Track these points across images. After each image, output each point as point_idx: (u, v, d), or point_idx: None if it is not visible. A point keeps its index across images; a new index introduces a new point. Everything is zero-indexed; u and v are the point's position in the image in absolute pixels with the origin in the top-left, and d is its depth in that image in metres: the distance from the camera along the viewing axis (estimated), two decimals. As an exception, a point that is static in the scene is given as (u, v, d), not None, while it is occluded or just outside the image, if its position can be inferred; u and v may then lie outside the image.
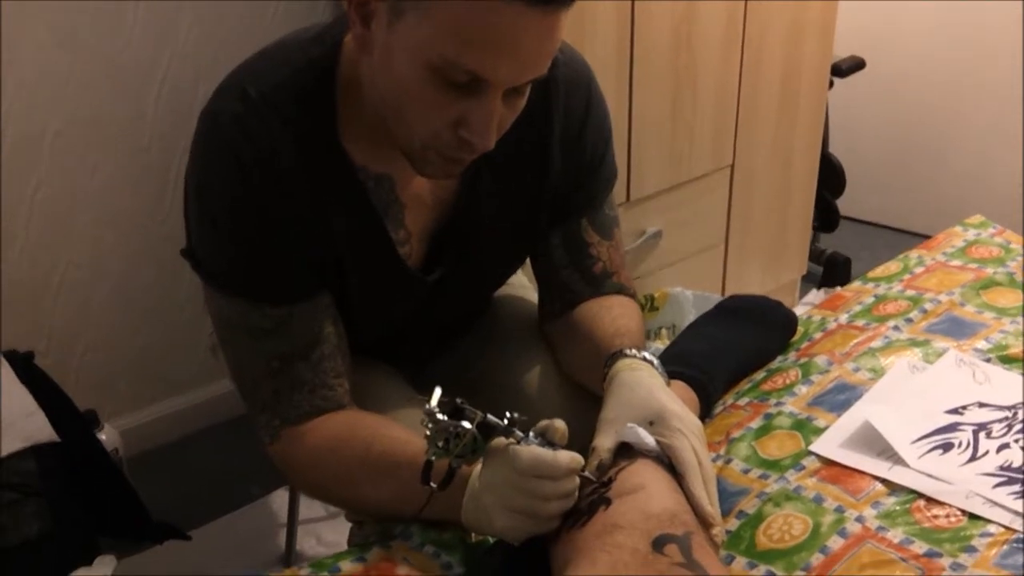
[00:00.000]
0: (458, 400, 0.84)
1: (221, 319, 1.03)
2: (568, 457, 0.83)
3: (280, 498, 2.05)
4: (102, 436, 1.80)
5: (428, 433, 0.84)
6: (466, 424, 0.83)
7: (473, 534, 0.97)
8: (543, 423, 0.86)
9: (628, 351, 1.01)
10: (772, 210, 2.42)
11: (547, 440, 0.85)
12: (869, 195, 3.05)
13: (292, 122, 0.96)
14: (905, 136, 3.03)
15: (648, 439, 0.89)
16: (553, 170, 1.10)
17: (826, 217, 2.76)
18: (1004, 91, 2.80)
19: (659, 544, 0.76)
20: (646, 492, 0.83)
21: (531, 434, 0.85)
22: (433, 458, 0.87)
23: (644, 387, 0.95)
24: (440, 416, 0.83)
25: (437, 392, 0.85)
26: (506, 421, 0.84)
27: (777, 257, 2.51)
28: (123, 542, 1.63)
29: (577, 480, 0.84)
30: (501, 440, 0.84)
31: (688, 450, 0.88)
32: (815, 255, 2.84)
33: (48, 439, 1.24)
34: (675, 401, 0.94)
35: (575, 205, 1.14)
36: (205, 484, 2.12)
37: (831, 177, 2.68)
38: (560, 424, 0.86)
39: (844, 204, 2.80)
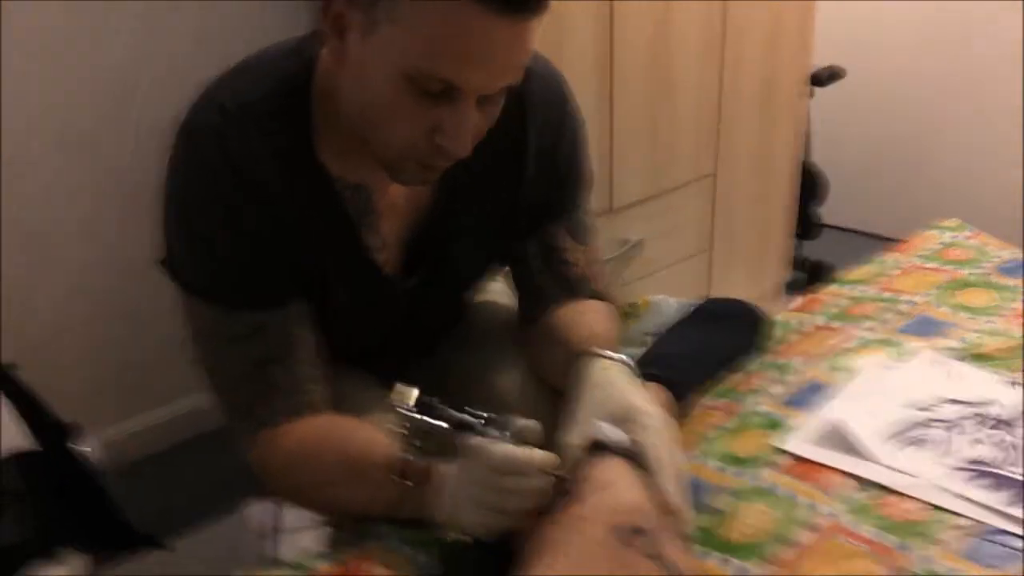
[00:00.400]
0: (434, 399, 0.85)
1: (197, 326, 1.04)
2: (540, 455, 0.84)
3: (264, 508, 2.05)
4: (85, 448, 1.80)
5: (404, 431, 0.85)
6: (441, 423, 0.84)
7: (449, 532, 0.98)
8: (518, 423, 0.87)
9: (600, 352, 1.02)
10: (754, 218, 2.44)
11: (521, 439, 0.86)
12: (854, 203, 3.08)
13: (268, 134, 0.97)
14: (888, 144, 3.06)
15: (618, 436, 0.90)
16: (527, 180, 1.11)
17: (808, 225, 2.78)
18: (985, 99, 2.83)
19: (626, 536, 0.77)
20: (615, 487, 0.84)
21: (505, 433, 0.86)
22: (409, 456, 0.87)
23: (615, 386, 0.96)
24: (416, 415, 0.84)
25: (414, 391, 0.85)
26: (482, 420, 0.85)
27: (760, 264, 2.53)
28: (104, 553, 1.62)
29: (549, 478, 0.85)
30: (476, 438, 0.85)
31: (658, 446, 0.89)
32: (799, 263, 2.86)
33: (29, 448, 1.25)
34: (645, 399, 0.95)
35: (550, 213, 1.15)
36: (189, 495, 2.13)
37: (813, 186, 2.71)
38: (535, 425, 0.86)
39: (829, 212, 2.82)
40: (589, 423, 0.92)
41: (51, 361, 2.06)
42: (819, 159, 2.76)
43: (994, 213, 2.78)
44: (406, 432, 0.85)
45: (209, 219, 0.97)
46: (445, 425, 0.84)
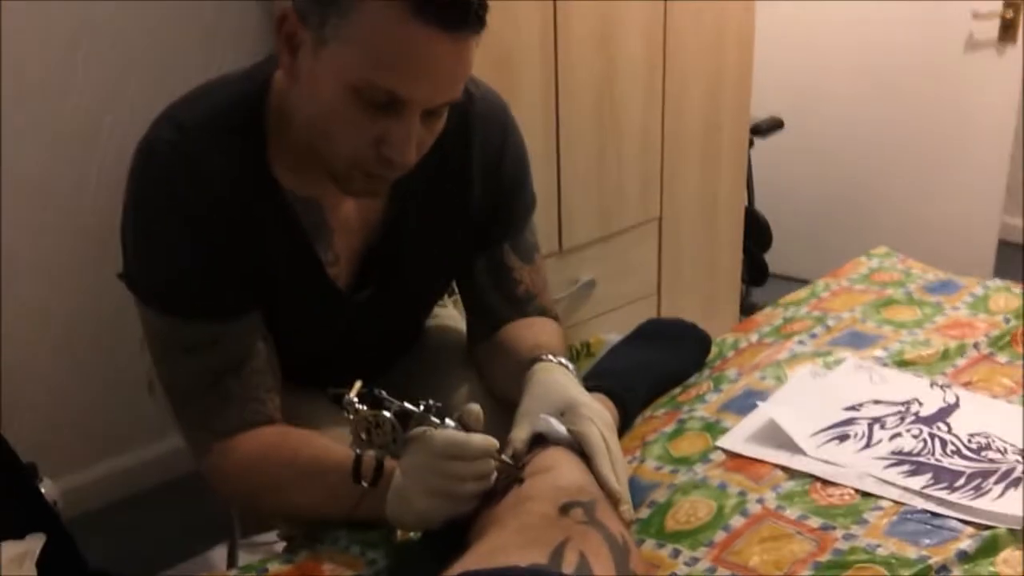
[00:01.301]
0: (376, 391, 0.89)
1: (155, 337, 1.08)
2: (481, 439, 0.88)
3: (219, 554, 2.05)
4: (41, 488, 1.79)
5: (350, 422, 0.89)
6: (385, 413, 0.88)
7: (398, 532, 1.01)
8: (459, 408, 0.91)
9: (545, 357, 1.08)
10: (701, 262, 2.52)
11: (463, 425, 0.90)
12: (798, 252, 3.16)
13: (225, 150, 1.02)
14: (830, 194, 3.16)
15: (559, 428, 0.95)
16: (474, 196, 1.17)
17: (755, 271, 2.87)
18: (929, 149, 2.94)
19: (566, 509, 0.81)
20: (556, 470, 0.88)
21: (448, 420, 0.90)
22: (358, 451, 0.91)
23: (556, 383, 1.01)
24: (359, 406, 0.88)
25: (357, 384, 0.90)
26: (422, 407, 0.89)
27: (709, 308, 2.60)
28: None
29: (492, 462, 0.89)
30: (420, 428, 0.89)
31: (596, 435, 0.93)
32: (748, 309, 2.93)
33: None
34: (584, 394, 1.00)
35: (497, 231, 1.21)
36: (144, 543, 2.12)
37: (758, 232, 2.80)
38: (475, 408, 0.91)
39: (775, 262, 2.91)
40: (533, 417, 0.97)
41: (10, 406, 2.05)
42: (763, 208, 2.86)
43: (934, 256, 2.89)
44: (352, 423, 0.89)
45: (167, 230, 1.02)
46: (387, 414, 0.88)
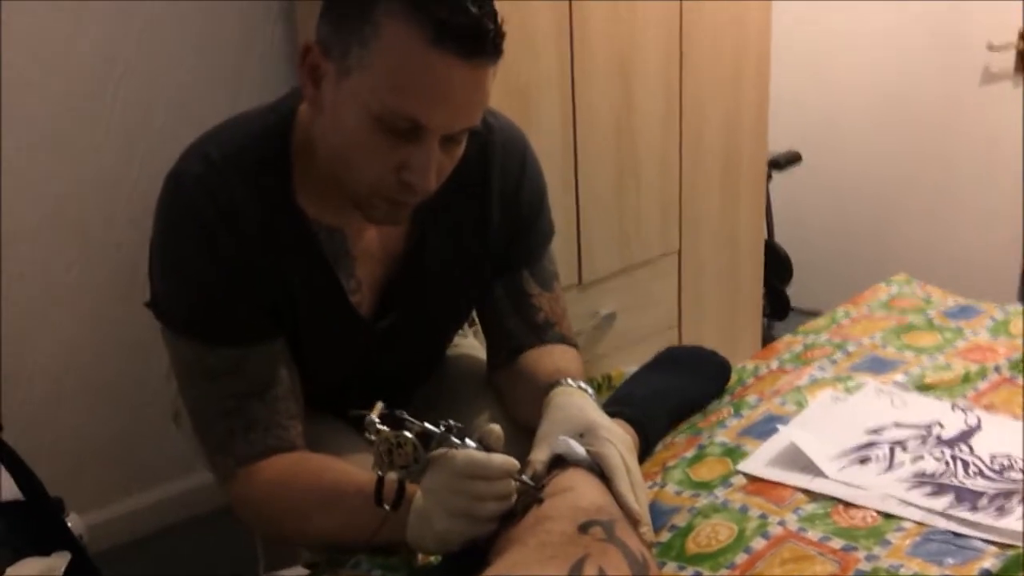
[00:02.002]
0: (398, 412, 0.90)
1: (181, 363, 1.10)
2: (502, 459, 0.89)
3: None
4: (68, 523, 1.81)
5: (372, 444, 0.90)
6: (407, 433, 0.89)
7: (419, 556, 1.01)
8: (480, 429, 0.92)
9: (564, 381, 1.08)
10: (722, 295, 2.52)
11: (484, 445, 0.91)
12: (820, 286, 3.16)
13: (250, 181, 1.05)
14: (852, 227, 3.16)
15: (579, 449, 0.95)
16: (493, 224, 1.19)
17: (777, 305, 2.87)
18: (945, 185, 2.94)
19: (585, 527, 0.81)
20: (576, 491, 0.89)
21: (468, 440, 0.91)
22: (380, 472, 0.92)
23: (575, 405, 1.02)
24: (381, 427, 0.89)
25: (378, 405, 0.91)
26: (443, 428, 0.90)
27: (731, 341, 2.59)
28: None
29: (512, 483, 0.90)
30: (441, 449, 0.90)
31: (615, 456, 0.94)
32: (770, 343, 2.92)
33: (13, 498, 1.27)
34: (604, 417, 1.01)
35: (516, 258, 1.23)
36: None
37: (778, 266, 2.80)
38: (496, 429, 0.92)
39: (797, 295, 2.90)
40: (552, 439, 0.98)
41: (38, 440, 2.08)
42: (783, 241, 2.86)
43: (955, 288, 2.87)
44: (374, 444, 0.90)
45: (194, 259, 1.04)
46: (409, 434, 0.89)
